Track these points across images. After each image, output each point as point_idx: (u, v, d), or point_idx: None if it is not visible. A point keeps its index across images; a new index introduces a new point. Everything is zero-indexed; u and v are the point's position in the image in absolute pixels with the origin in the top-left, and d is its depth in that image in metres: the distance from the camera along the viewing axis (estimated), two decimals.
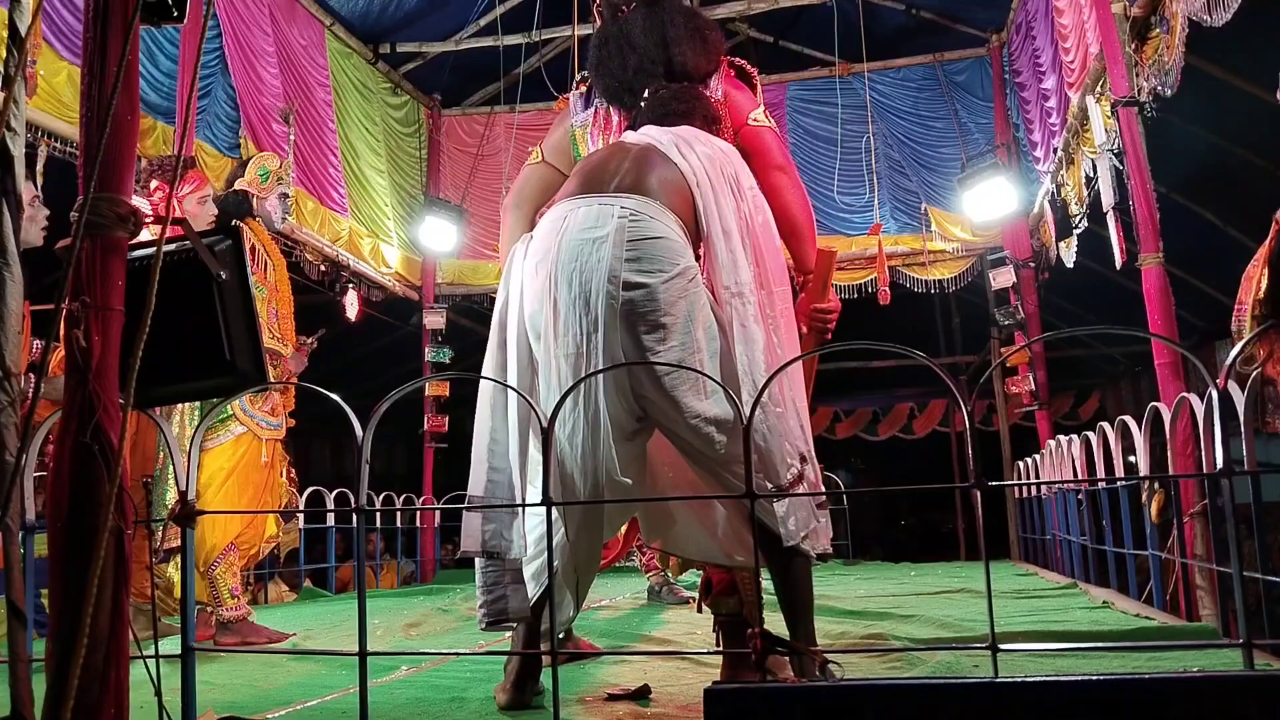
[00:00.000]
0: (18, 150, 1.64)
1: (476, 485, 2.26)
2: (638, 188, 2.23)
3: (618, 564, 7.68)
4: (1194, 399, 3.24)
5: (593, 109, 2.79)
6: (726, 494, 2.12)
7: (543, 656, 2.20)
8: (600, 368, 2.05)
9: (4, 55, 1.65)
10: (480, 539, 2.25)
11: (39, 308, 3.36)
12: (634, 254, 2.11)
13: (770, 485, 2.08)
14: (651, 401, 2.12)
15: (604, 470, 2.07)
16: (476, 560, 2.31)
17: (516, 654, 2.25)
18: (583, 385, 2.04)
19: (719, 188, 2.28)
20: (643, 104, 2.59)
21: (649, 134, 2.41)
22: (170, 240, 1.70)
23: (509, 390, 2.17)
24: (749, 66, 2.84)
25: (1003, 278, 8.04)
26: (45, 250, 3.27)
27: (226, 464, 3.84)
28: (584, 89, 2.85)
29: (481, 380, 2.27)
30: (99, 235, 1.59)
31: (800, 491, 2.11)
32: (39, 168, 4.77)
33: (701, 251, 2.27)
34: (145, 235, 1.88)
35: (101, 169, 1.62)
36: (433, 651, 3.34)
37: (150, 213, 3.74)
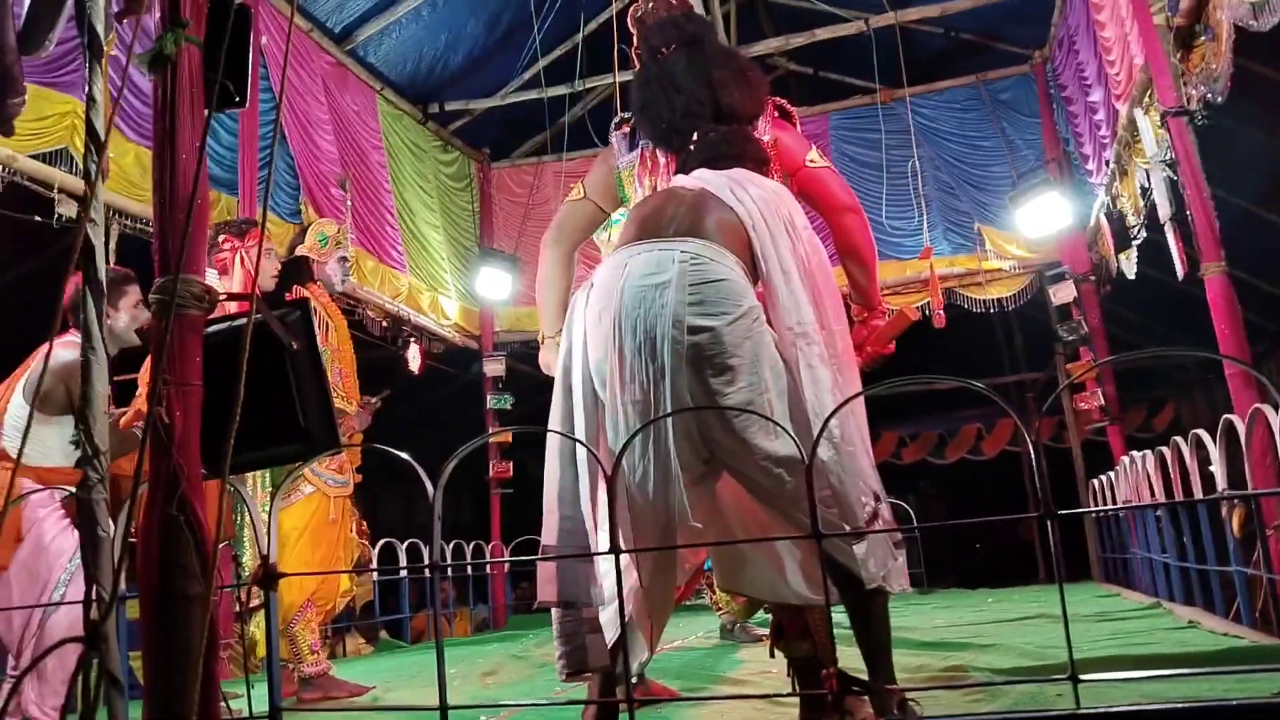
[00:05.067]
0: (98, 240, 1.73)
1: (549, 534, 2.23)
2: (695, 231, 2.23)
3: (688, 602, 7.64)
4: (1269, 410, 3.16)
5: (638, 150, 2.81)
6: (795, 535, 2.11)
7: (619, 704, 2.20)
8: (667, 412, 2.06)
9: (83, 150, 1.75)
10: (557, 589, 2.22)
11: (119, 378, 3.51)
12: (697, 297, 2.11)
13: (847, 526, 2.07)
14: (720, 444, 2.11)
15: (675, 514, 2.08)
16: (553, 610, 2.27)
17: (593, 702, 2.26)
18: (651, 430, 2.05)
19: (774, 228, 2.28)
20: (691, 147, 2.59)
21: (701, 177, 2.42)
22: (244, 314, 1.77)
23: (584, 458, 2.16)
24: (788, 105, 2.85)
25: (1063, 293, 7.92)
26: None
27: (299, 523, 3.94)
28: (627, 130, 2.86)
29: (549, 448, 2.27)
30: (177, 315, 1.67)
31: (868, 529, 2.10)
32: (112, 245, 4.98)
33: (760, 291, 2.29)
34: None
35: (175, 251, 1.71)
36: (512, 703, 3.36)
37: (220, 274, 3.89)
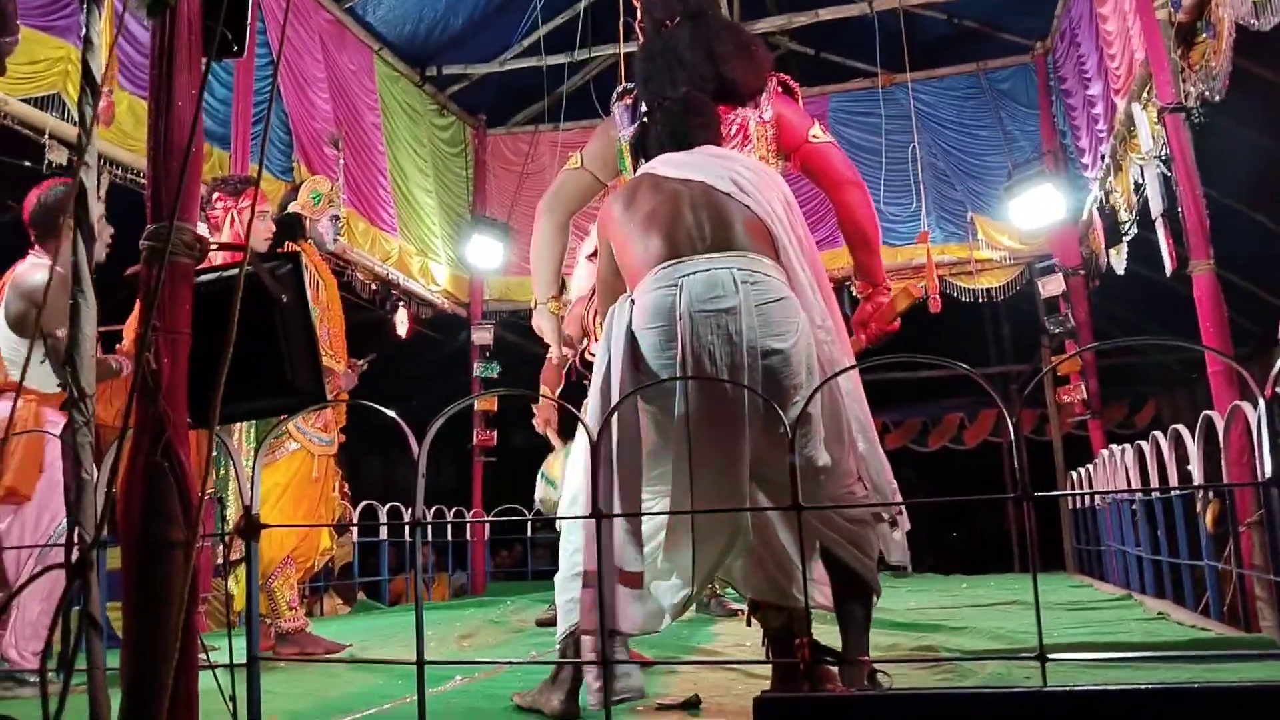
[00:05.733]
0: (90, 182, 1.72)
1: (591, 562, 2.08)
2: (731, 243, 2.21)
3: None
4: (1248, 407, 3.20)
5: (638, 122, 2.80)
6: (779, 506, 2.13)
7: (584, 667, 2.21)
8: (746, 443, 2.07)
9: (78, 94, 1.74)
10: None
11: (103, 329, 3.49)
12: (764, 319, 2.12)
13: (886, 517, 2.19)
14: (768, 456, 2.11)
15: (744, 532, 2.13)
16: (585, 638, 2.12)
17: (569, 663, 2.28)
18: (726, 452, 2.07)
19: (783, 215, 2.28)
20: (654, 120, 2.51)
21: (691, 163, 2.36)
22: (235, 265, 1.77)
23: (618, 455, 2.10)
24: (792, 81, 2.85)
25: (1052, 285, 7.96)
26: (105, 269, 3.41)
27: (282, 480, 3.94)
28: (629, 101, 2.85)
29: (576, 448, 2.27)
30: (168, 262, 1.67)
31: (862, 506, 2.15)
32: (101, 194, 4.94)
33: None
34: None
35: (168, 199, 1.70)
36: (488, 660, 3.39)
37: (211, 231, 3.87)
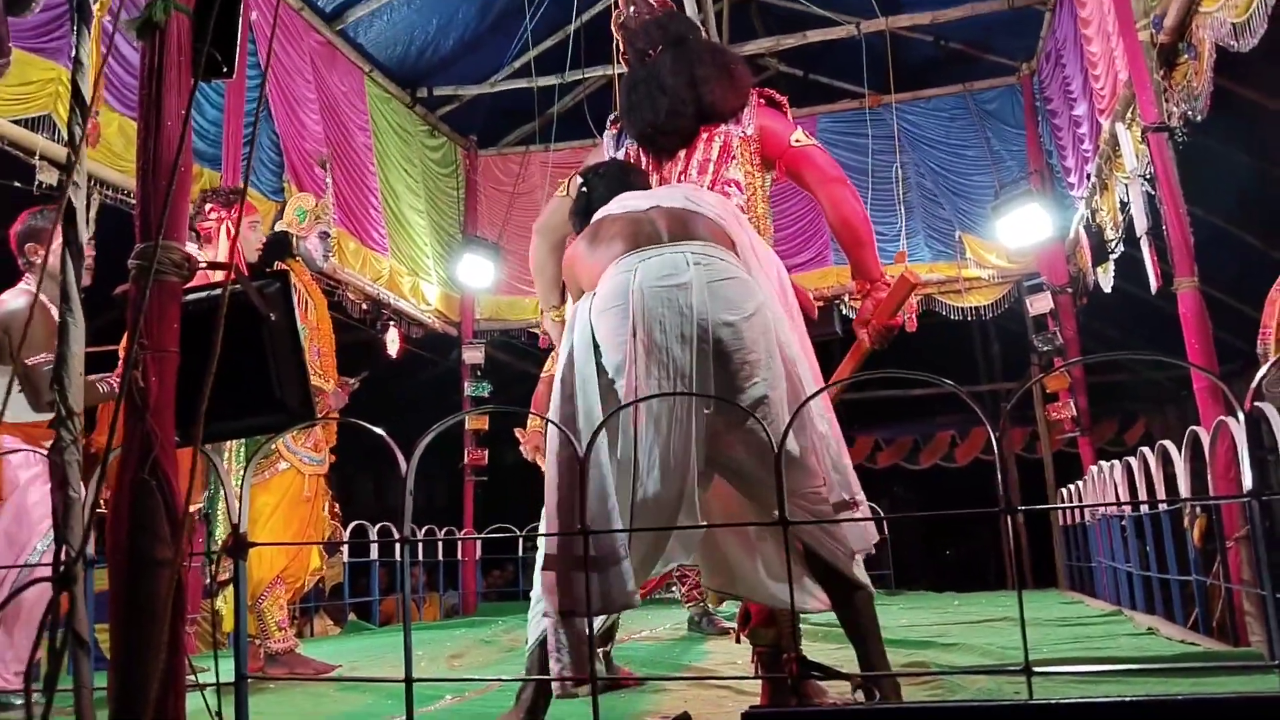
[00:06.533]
0: (80, 202, 1.73)
1: (549, 543, 2.11)
2: (691, 236, 2.25)
3: (657, 594, 7.67)
4: (1233, 423, 3.22)
5: (623, 150, 2.84)
6: (764, 522, 2.13)
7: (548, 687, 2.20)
8: (692, 410, 2.06)
9: (68, 114, 1.75)
10: (558, 600, 2.06)
11: (91, 349, 3.48)
12: (715, 295, 2.13)
13: (846, 497, 2.16)
14: (726, 440, 2.12)
15: (684, 508, 2.10)
16: (550, 621, 2.10)
17: (562, 679, 2.26)
18: (671, 428, 2.06)
19: (740, 222, 2.35)
20: (594, 186, 2.58)
21: (648, 195, 2.43)
22: (222, 284, 1.78)
23: (590, 438, 2.05)
24: (778, 95, 2.87)
25: (1040, 303, 8.00)
26: (91, 291, 3.39)
27: (271, 499, 3.93)
28: (616, 130, 2.90)
29: (548, 436, 2.22)
30: (156, 281, 1.68)
31: (842, 517, 2.14)
32: (91, 215, 4.95)
33: None
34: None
35: (157, 218, 1.71)
36: (477, 678, 3.38)
37: (204, 243, 3.88)
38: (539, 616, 2.20)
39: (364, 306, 7.50)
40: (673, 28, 2.83)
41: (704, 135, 2.66)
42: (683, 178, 2.65)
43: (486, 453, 8.72)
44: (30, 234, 3.36)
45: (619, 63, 3.11)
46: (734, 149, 2.65)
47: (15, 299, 3.29)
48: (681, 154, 2.69)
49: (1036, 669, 1.64)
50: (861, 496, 2.23)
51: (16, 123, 4.69)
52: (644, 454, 2.07)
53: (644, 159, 2.75)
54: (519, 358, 9.84)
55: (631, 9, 3.03)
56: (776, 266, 2.39)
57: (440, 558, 8.03)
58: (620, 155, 2.82)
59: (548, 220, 2.94)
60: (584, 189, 2.59)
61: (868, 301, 2.56)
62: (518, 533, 7.42)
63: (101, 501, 1.84)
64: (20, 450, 3.10)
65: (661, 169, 2.71)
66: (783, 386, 2.14)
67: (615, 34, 3.14)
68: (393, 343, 7.92)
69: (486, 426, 8.69)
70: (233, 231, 3.75)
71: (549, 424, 2.17)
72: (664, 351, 2.10)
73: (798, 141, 2.66)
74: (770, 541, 2.18)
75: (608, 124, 2.97)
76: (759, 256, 2.34)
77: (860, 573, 2.14)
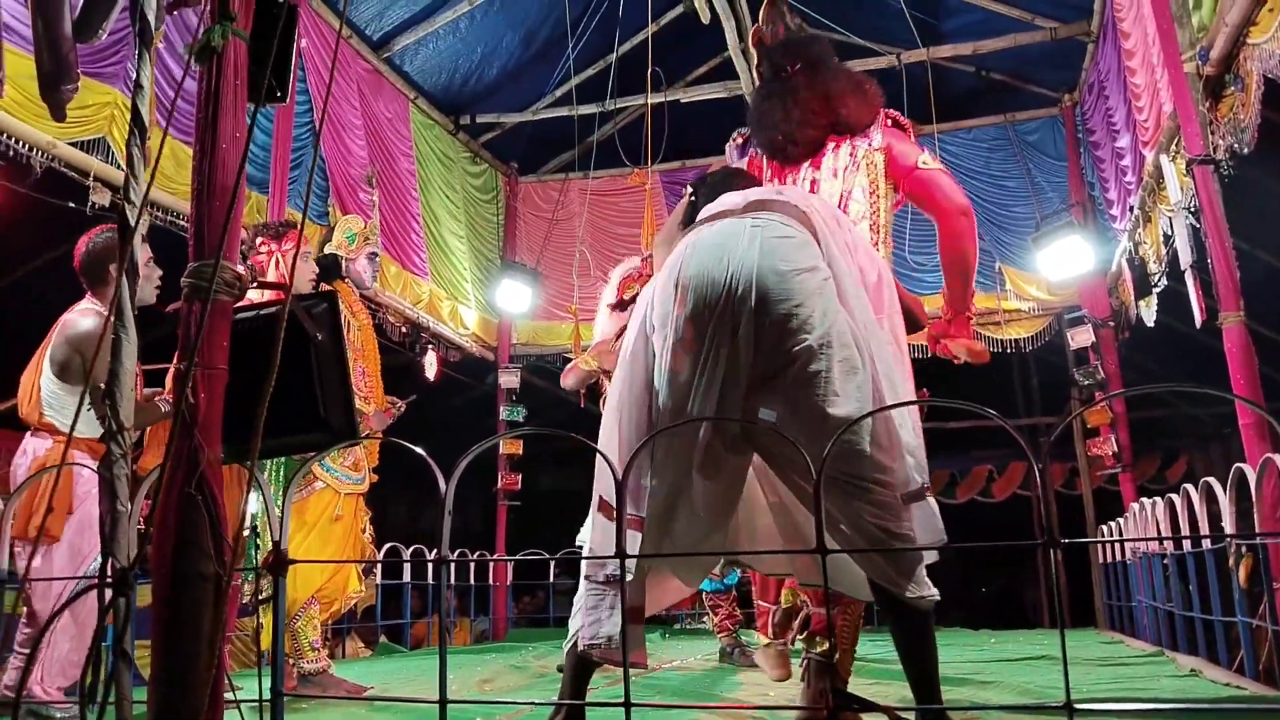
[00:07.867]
0: (135, 221, 1.78)
1: (606, 490, 2.13)
2: (764, 210, 2.25)
3: (689, 626, 7.62)
4: None
5: (745, 160, 2.97)
6: (801, 550, 2.10)
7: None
8: (730, 359, 2.02)
9: (125, 136, 1.80)
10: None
11: (148, 367, 3.55)
12: (765, 249, 2.09)
13: (920, 481, 2.05)
14: (760, 395, 2.03)
15: (701, 450, 2.06)
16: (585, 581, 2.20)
17: (597, 705, 2.27)
18: (703, 385, 2.02)
19: (830, 216, 2.33)
20: (700, 195, 2.63)
21: (744, 195, 2.42)
22: (272, 304, 1.82)
23: (634, 410, 2.14)
24: (903, 118, 3.00)
25: (1081, 337, 7.91)
26: (152, 310, 3.46)
27: (309, 519, 3.96)
28: (740, 141, 3.09)
29: (608, 398, 2.27)
30: (208, 300, 1.71)
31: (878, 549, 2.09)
32: (143, 235, 5.05)
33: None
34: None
35: (211, 238, 1.75)
36: (509, 701, 3.37)
37: (251, 277, 3.95)
38: (579, 612, 2.21)
39: (403, 329, 7.59)
40: (814, 49, 3.00)
41: (831, 145, 2.78)
42: (813, 186, 2.76)
43: (519, 477, 8.74)
44: (93, 257, 3.43)
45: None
46: (859, 157, 2.75)
47: (85, 319, 3.36)
48: (807, 163, 2.84)
49: (1079, 706, 1.62)
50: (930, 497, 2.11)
51: (73, 145, 4.82)
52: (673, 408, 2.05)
53: (767, 168, 2.87)
54: (554, 383, 9.86)
55: (770, 26, 3.22)
56: (879, 268, 2.35)
57: (472, 581, 8.04)
58: (744, 162, 2.96)
59: (665, 234, 3.02)
60: (692, 197, 2.66)
61: (950, 326, 2.83)
62: (548, 557, 7.41)
63: (139, 517, 1.87)
64: (89, 466, 3.17)
65: (784, 177, 2.83)
66: (843, 355, 2.00)
67: (752, 48, 3.35)
68: (431, 366, 7.99)
69: (520, 451, 8.71)
70: (282, 265, 3.82)
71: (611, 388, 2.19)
72: (704, 299, 2.06)
73: (925, 164, 2.77)
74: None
75: (732, 137, 3.15)
76: (850, 248, 2.27)
77: (919, 586, 1.99)
